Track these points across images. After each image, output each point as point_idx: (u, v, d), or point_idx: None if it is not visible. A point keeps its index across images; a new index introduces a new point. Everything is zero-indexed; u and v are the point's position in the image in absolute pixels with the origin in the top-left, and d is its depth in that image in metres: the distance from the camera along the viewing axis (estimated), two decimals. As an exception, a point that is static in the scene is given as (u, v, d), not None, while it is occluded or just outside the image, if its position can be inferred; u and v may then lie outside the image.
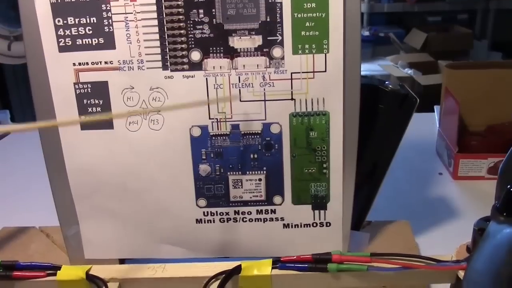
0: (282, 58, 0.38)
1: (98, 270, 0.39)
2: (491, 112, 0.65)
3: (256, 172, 0.41)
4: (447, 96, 0.63)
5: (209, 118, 0.40)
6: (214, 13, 0.38)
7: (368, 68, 2.04)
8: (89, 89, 0.39)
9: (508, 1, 2.22)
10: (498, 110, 0.64)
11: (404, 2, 2.29)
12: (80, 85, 0.39)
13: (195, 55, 0.39)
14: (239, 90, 0.39)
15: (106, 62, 0.39)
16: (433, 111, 0.80)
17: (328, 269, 0.37)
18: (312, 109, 0.39)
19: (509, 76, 0.64)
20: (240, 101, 0.39)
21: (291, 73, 0.39)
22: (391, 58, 2.07)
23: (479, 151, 0.61)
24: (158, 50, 0.39)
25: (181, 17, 0.38)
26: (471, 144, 0.62)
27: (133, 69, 0.39)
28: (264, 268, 0.38)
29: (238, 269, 0.37)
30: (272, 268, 0.38)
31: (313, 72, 0.38)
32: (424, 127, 0.75)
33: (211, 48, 0.38)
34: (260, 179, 0.41)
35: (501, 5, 2.28)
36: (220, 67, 0.39)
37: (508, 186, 0.31)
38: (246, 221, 0.42)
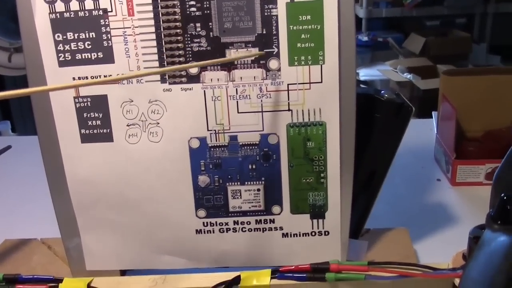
0: (279, 69, 0.39)
1: (99, 282, 0.40)
2: (488, 118, 0.65)
3: (254, 183, 0.42)
4: (444, 103, 0.63)
5: (208, 130, 0.40)
6: (211, 26, 0.38)
7: (367, 73, 2.04)
8: (88, 103, 0.40)
9: (506, 5, 2.23)
10: (495, 116, 0.64)
11: (403, 7, 2.29)
12: (80, 99, 0.40)
13: (193, 68, 0.39)
14: (237, 101, 0.40)
15: (105, 76, 0.39)
16: (432, 114, 0.80)
17: (326, 278, 0.37)
18: (309, 119, 0.40)
19: (506, 82, 0.64)
20: (238, 112, 0.40)
21: (288, 84, 0.39)
22: (390, 63, 2.07)
23: (477, 157, 0.61)
24: (157, 64, 0.39)
25: (178, 30, 0.38)
26: (468, 150, 0.62)
27: (132, 83, 0.40)
28: (263, 278, 0.38)
29: (237, 279, 0.38)
30: (271, 278, 0.38)
31: (309, 83, 0.39)
32: (422, 133, 0.76)
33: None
34: (258, 189, 0.42)
35: (499, 8, 2.29)
36: (218, 79, 0.39)
37: (502, 195, 0.32)
38: (245, 231, 0.43)
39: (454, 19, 2.35)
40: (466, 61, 2.10)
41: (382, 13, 2.31)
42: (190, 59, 0.39)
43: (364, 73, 2.05)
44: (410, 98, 1.93)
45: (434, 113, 0.79)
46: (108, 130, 0.40)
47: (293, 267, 0.38)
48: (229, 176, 0.41)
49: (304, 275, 0.38)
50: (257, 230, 0.43)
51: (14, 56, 0.93)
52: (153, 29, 0.38)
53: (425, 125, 0.79)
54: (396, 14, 2.31)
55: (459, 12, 2.32)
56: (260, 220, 0.43)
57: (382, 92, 0.43)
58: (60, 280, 0.39)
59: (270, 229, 0.43)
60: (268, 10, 0.38)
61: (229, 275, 0.38)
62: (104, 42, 0.39)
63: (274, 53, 0.39)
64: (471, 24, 2.39)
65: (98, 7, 0.38)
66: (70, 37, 0.39)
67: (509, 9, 2.29)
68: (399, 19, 2.35)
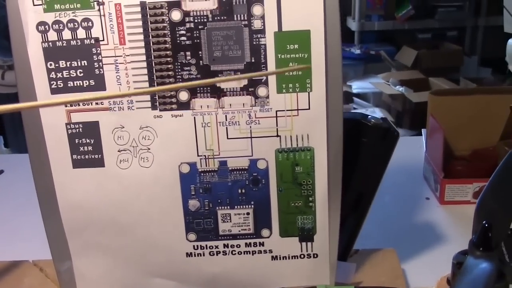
0: (267, 97, 0.40)
1: (90, 306, 0.40)
2: (475, 137, 0.66)
3: (244, 206, 0.42)
4: (432, 122, 0.64)
5: (198, 155, 0.41)
6: (200, 55, 0.39)
7: (360, 86, 2.06)
8: (80, 129, 0.41)
9: (496, 18, 2.25)
10: (483, 135, 0.66)
11: (394, 20, 2.32)
12: (72, 125, 0.41)
13: (183, 95, 0.40)
14: (226, 128, 0.40)
15: (97, 103, 0.40)
16: (424, 128, 0.81)
17: (314, 303, 0.38)
18: (297, 145, 0.41)
19: (492, 102, 0.66)
20: (227, 138, 0.41)
21: (276, 111, 0.40)
22: (382, 76, 2.10)
23: (465, 176, 0.62)
24: (147, 91, 0.40)
25: (169, 59, 0.39)
26: (456, 169, 0.63)
27: (123, 109, 0.40)
28: (252, 303, 0.39)
29: (226, 304, 0.38)
30: (260, 302, 0.39)
31: (297, 110, 0.40)
32: (412, 151, 0.76)
33: (198, 88, 0.40)
34: (248, 213, 0.42)
35: (489, 21, 2.32)
36: (208, 106, 0.40)
37: (484, 222, 0.32)
38: (235, 254, 0.43)
39: (445, 32, 2.38)
40: (457, 73, 2.12)
41: (374, 26, 2.33)
42: (180, 86, 0.40)
43: (357, 86, 2.06)
44: (403, 110, 1.95)
45: (423, 130, 0.80)
46: (99, 156, 0.41)
47: (282, 292, 0.39)
48: (219, 200, 0.42)
49: (292, 300, 0.38)
50: (247, 253, 0.43)
51: (7, 74, 0.93)
52: (144, 57, 0.39)
53: (414, 142, 0.80)
54: (388, 27, 2.34)
55: (450, 25, 2.35)
56: (250, 243, 0.43)
57: (369, 117, 0.44)
58: (51, 305, 0.40)
59: (260, 252, 0.43)
60: (257, 39, 0.39)
61: (218, 300, 0.39)
62: (96, 70, 0.39)
63: (263, 80, 0.39)
64: (462, 37, 2.42)
65: (90, 36, 0.39)
66: (63, 65, 0.39)
67: (500, 22, 2.31)
68: (391, 32, 2.38)
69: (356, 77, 2.16)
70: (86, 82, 0.40)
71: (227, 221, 0.43)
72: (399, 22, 2.31)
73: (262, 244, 0.43)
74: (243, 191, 0.42)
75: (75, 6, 0.38)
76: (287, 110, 0.40)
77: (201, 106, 0.40)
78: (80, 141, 0.41)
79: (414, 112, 1.85)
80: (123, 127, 0.41)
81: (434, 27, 2.34)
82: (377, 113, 1.90)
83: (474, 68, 2.29)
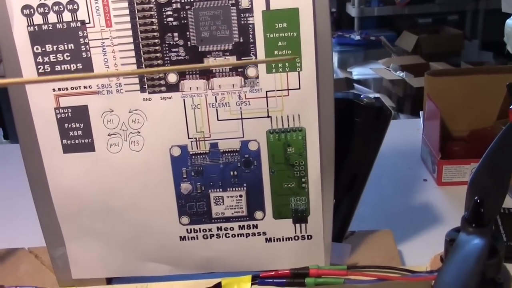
0: (257, 77, 0.39)
1: (83, 291, 0.40)
2: (473, 118, 0.66)
3: (236, 189, 0.42)
4: (428, 103, 0.64)
5: (188, 138, 0.41)
6: (188, 36, 0.38)
7: (360, 72, 2.05)
8: (69, 114, 0.40)
9: (497, 1, 2.22)
10: (480, 115, 0.65)
11: (394, 5, 2.30)
12: (60, 109, 0.40)
13: (172, 77, 0.39)
14: (216, 109, 0.40)
15: (85, 87, 0.40)
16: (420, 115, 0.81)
17: (306, 283, 0.37)
18: (289, 125, 0.40)
19: (490, 82, 0.65)
20: (218, 120, 0.40)
21: (266, 91, 0.40)
22: (383, 61, 2.08)
23: (462, 157, 0.61)
24: (136, 73, 0.39)
25: (156, 40, 0.39)
26: (454, 150, 0.63)
27: (112, 93, 0.40)
28: (244, 284, 0.38)
29: (218, 286, 0.38)
30: (252, 284, 0.38)
31: (288, 89, 0.39)
32: (410, 133, 0.76)
33: (187, 70, 0.39)
34: (240, 195, 0.42)
35: (490, 5, 2.29)
36: (197, 87, 0.40)
37: (476, 198, 0.32)
38: (229, 236, 0.43)
39: (446, 16, 2.36)
40: (458, 58, 2.11)
41: (374, 12, 2.32)
42: (169, 68, 0.39)
43: (357, 72, 2.05)
44: (403, 96, 1.94)
45: (421, 113, 0.79)
46: (89, 140, 0.41)
47: (273, 272, 0.38)
48: (211, 183, 0.42)
49: (284, 280, 0.38)
50: (241, 236, 0.43)
51: (2, 65, 0.93)
52: (131, 39, 0.39)
53: (412, 125, 0.79)
54: (388, 13, 2.32)
55: (450, 9, 2.33)
56: (243, 226, 0.43)
57: (361, 96, 0.44)
58: (45, 290, 0.40)
59: (254, 234, 0.43)
60: (245, 19, 0.38)
61: (210, 282, 0.39)
62: (83, 53, 0.39)
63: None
64: (463, 21, 2.40)
65: (76, 19, 0.38)
66: (49, 49, 0.39)
67: (500, 5, 2.29)
68: (391, 17, 2.36)
69: (356, 63, 2.15)
70: (73, 66, 0.39)
71: (220, 204, 0.42)
72: (399, 7, 2.29)
73: (255, 226, 0.43)
74: (235, 173, 0.42)
75: (60, -12, 0.38)
76: (277, 90, 0.39)
77: (190, 88, 0.40)
78: (70, 125, 0.41)
79: (415, 97, 1.84)
80: (113, 111, 0.40)
81: (434, 12, 2.32)
82: (377, 99, 1.89)
83: (475, 52, 2.27)
